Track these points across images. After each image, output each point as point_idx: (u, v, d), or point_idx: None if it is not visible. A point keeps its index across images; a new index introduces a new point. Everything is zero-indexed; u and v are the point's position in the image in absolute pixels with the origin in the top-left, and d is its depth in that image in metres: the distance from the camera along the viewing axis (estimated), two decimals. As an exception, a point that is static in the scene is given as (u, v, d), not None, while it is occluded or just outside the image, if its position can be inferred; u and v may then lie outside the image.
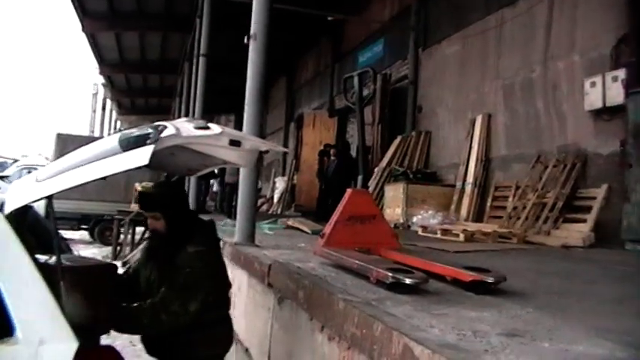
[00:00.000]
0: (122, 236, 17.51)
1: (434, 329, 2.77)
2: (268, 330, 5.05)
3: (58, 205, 18.27)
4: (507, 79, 11.21)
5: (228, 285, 4.14)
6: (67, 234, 19.80)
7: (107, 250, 18.04)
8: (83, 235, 21.99)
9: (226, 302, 4.10)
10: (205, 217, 4.18)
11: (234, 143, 3.40)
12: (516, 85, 10.94)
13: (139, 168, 2.89)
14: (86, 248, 19.02)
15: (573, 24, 9.58)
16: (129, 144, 2.91)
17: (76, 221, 21.02)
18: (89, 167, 2.88)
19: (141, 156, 2.81)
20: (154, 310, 3.54)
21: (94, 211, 20.19)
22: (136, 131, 3.06)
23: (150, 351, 3.98)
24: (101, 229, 20.68)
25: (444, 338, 2.60)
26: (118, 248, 17.29)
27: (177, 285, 3.56)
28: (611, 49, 8.64)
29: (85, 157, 2.97)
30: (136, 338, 8.15)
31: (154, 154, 2.86)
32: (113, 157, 2.88)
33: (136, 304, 3.60)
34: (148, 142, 2.87)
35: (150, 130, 2.99)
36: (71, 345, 2.65)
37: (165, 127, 3.05)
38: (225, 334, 4.10)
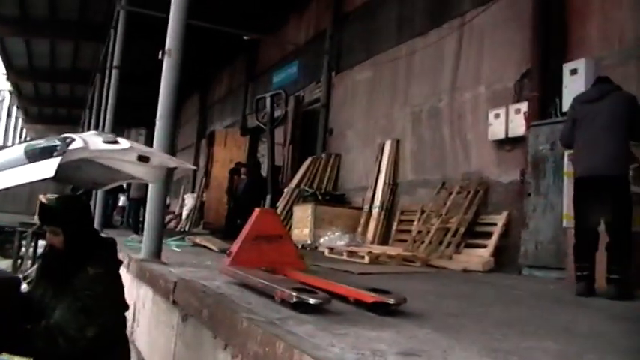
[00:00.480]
0: (23, 249, 16.91)
1: (334, 348, 2.84)
2: (172, 348, 5.01)
3: (-42, 216, 17.45)
4: (416, 107, 11.54)
5: (126, 306, 4.06)
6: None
7: (7, 263, 17.38)
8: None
9: (124, 323, 4.03)
10: (112, 232, 4.12)
11: (143, 159, 3.38)
12: (424, 113, 11.28)
13: (44, 180, 2.84)
14: (-17, 261, 18.30)
15: (480, 57, 9.99)
16: (35, 155, 2.86)
17: (-27, 232, 20.24)
18: None
19: (47, 168, 2.77)
20: (50, 333, 3.35)
21: (-6, 223, 19.46)
22: (43, 142, 3.00)
23: None
24: (1, 241, 19.94)
25: (342, 357, 2.67)
26: (19, 261, 16.69)
27: (76, 308, 3.41)
28: (514, 82, 9.06)
29: None
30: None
31: (60, 167, 2.81)
32: (17, 168, 2.81)
33: (30, 326, 3.39)
34: (55, 154, 2.83)
35: (57, 142, 2.94)
36: None
37: (74, 139, 3.01)
38: (122, 356, 3.99)
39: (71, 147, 2.94)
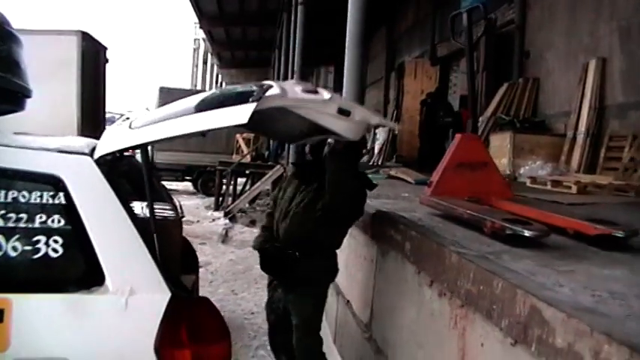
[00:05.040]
0: (224, 187, 17.72)
1: (563, 288, 2.45)
2: (371, 282, 4.83)
3: (163, 157, 18.81)
4: (624, 20, 10.37)
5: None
6: (171, 185, 20.36)
7: (210, 201, 18.38)
8: (187, 186, 22.53)
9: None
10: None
11: (343, 112, 3.17)
12: (634, 27, 10.12)
13: (238, 126, 2.71)
14: (190, 199, 19.46)
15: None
16: (230, 100, 2.72)
17: (180, 172, 21.63)
18: (186, 119, 2.69)
19: (241, 113, 2.61)
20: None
21: (196, 163, 20.59)
22: (239, 88, 2.87)
23: (267, 267, 4.38)
24: (204, 180, 21.17)
25: (576, 299, 2.27)
26: (221, 199, 17.53)
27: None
28: None
29: (183, 109, 2.79)
30: (239, 287, 8.26)
31: (255, 114, 2.64)
32: (211, 112, 2.67)
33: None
34: (251, 99, 2.66)
35: (254, 88, 2.80)
36: (163, 295, 2.52)
37: (271, 86, 2.87)
38: (336, 268, 4.46)
39: (268, 93, 2.76)
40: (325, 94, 3.16)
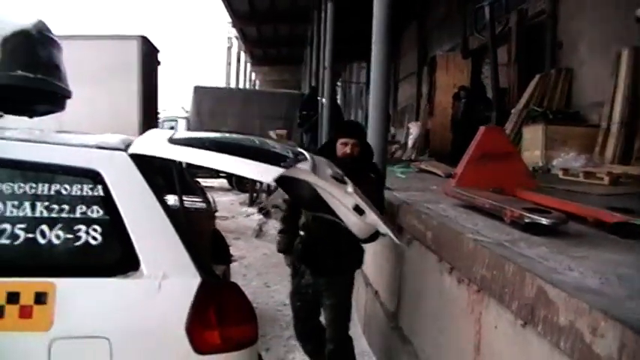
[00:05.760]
0: (258, 184, 17.95)
1: (572, 272, 2.56)
2: (397, 273, 4.96)
3: (199, 155, 19.08)
4: (656, 8, 10.29)
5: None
6: (207, 182, 20.65)
7: (244, 197, 18.61)
8: (222, 183, 22.83)
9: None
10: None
11: (358, 210, 3.33)
12: (666, 15, 10.02)
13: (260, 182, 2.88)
14: (225, 195, 19.74)
15: None
16: (264, 156, 2.89)
17: (215, 170, 21.83)
18: (219, 156, 2.84)
19: (268, 174, 2.76)
20: None
21: (231, 160, 20.78)
22: (277, 148, 3.10)
23: (306, 259, 4.71)
24: (238, 176, 21.35)
25: (582, 282, 2.39)
26: (255, 195, 17.77)
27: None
28: None
29: (223, 146, 2.94)
30: (272, 280, 8.43)
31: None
32: (244, 160, 2.82)
33: None
34: (282, 164, 2.82)
35: (290, 155, 2.99)
36: (194, 280, 2.72)
37: (305, 159, 3.06)
38: (363, 257, 4.84)
39: (299, 165, 2.95)
40: (349, 188, 3.30)
